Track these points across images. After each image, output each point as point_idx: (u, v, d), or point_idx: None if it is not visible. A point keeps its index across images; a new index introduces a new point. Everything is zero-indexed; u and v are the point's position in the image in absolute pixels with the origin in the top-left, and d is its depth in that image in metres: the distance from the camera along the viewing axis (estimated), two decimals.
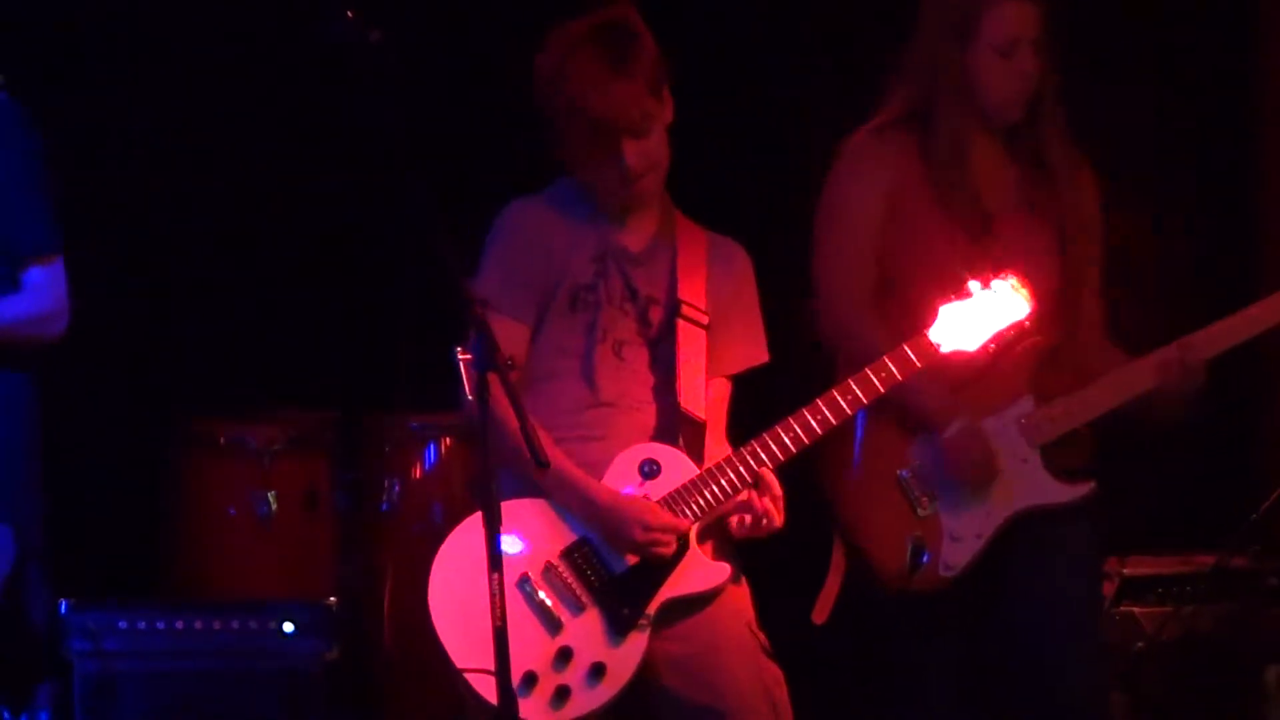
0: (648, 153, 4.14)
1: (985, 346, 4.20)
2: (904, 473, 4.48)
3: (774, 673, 4.17)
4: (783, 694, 4.16)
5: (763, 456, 4.12)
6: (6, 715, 4.83)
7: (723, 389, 4.29)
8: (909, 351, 4.18)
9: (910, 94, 4.54)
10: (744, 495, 4.12)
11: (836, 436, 4.53)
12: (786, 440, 4.13)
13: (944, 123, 4.48)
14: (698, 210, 4.40)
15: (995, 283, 4.19)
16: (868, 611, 4.53)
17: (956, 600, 4.48)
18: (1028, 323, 4.23)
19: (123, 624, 5.15)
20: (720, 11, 6.07)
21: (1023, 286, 4.20)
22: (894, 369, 4.18)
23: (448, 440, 5.68)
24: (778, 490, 4.13)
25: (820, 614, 4.48)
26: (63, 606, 5.14)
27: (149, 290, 5.96)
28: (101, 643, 5.11)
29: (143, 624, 5.17)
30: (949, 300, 4.18)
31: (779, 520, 4.13)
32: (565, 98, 4.09)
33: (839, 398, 4.16)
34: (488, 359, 3.56)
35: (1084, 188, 4.59)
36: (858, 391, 4.17)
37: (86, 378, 5.81)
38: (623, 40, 4.11)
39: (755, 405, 4.32)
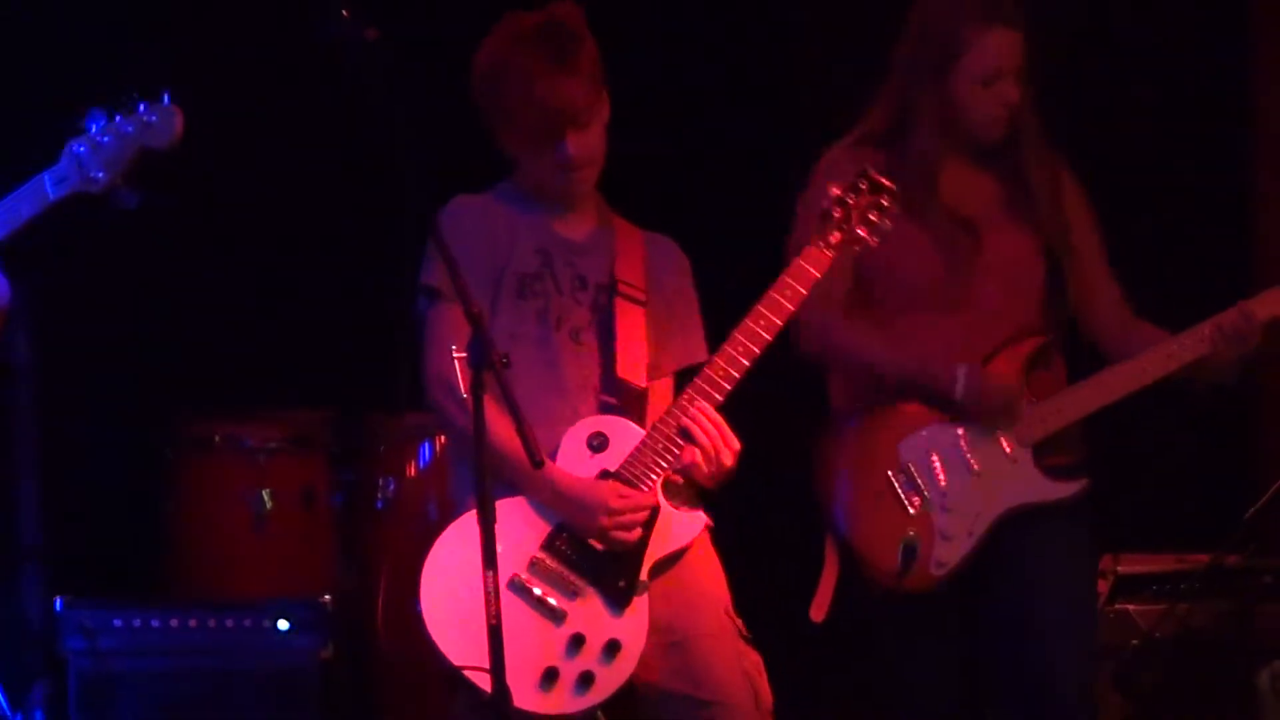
0: (588, 145, 4.19)
1: (867, 240, 4.16)
2: (894, 472, 4.48)
3: (753, 659, 4.18)
4: (763, 681, 4.16)
5: (698, 398, 4.11)
6: (5, 708, 4.83)
7: (666, 389, 4.30)
8: (803, 262, 4.13)
9: (887, 114, 4.55)
10: (704, 440, 4.10)
11: (827, 436, 4.57)
12: (717, 378, 4.11)
13: (915, 149, 4.49)
14: (651, 212, 4.41)
15: (859, 183, 4.17)
16: (861, 609, 4.53)
17: (949, 598, 4.49)
18: (895, 208, 4.16)
19: (118, 622, 5.16)
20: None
21: (880, 175, 4.17)
22: (795, 285, 4.12)
23: (443, 439, 5.68)
24: (718, 418, 4.11)
25: (818, 611, 4.49)
26: (58, 604, 5.15)
27: (144, 288, 5.96)
28: (97, 641, 5.12)
29: (138, 622, 5.18)
30: (822, 208, 4.17)
31: (733, 447, 4.12)
32: (512, 88, 4.16)
33: (753, 325, 4.12)
34: (483, 357, 3.57)
35: (1065, 194, 4.59)
36: (770, 316, 4.12)
37: (82, 376, 5.82)
38: (567, 38, 4.19)
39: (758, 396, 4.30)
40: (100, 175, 3.90)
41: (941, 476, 4.47)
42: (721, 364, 4.13)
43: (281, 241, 6.06)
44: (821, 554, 4.54)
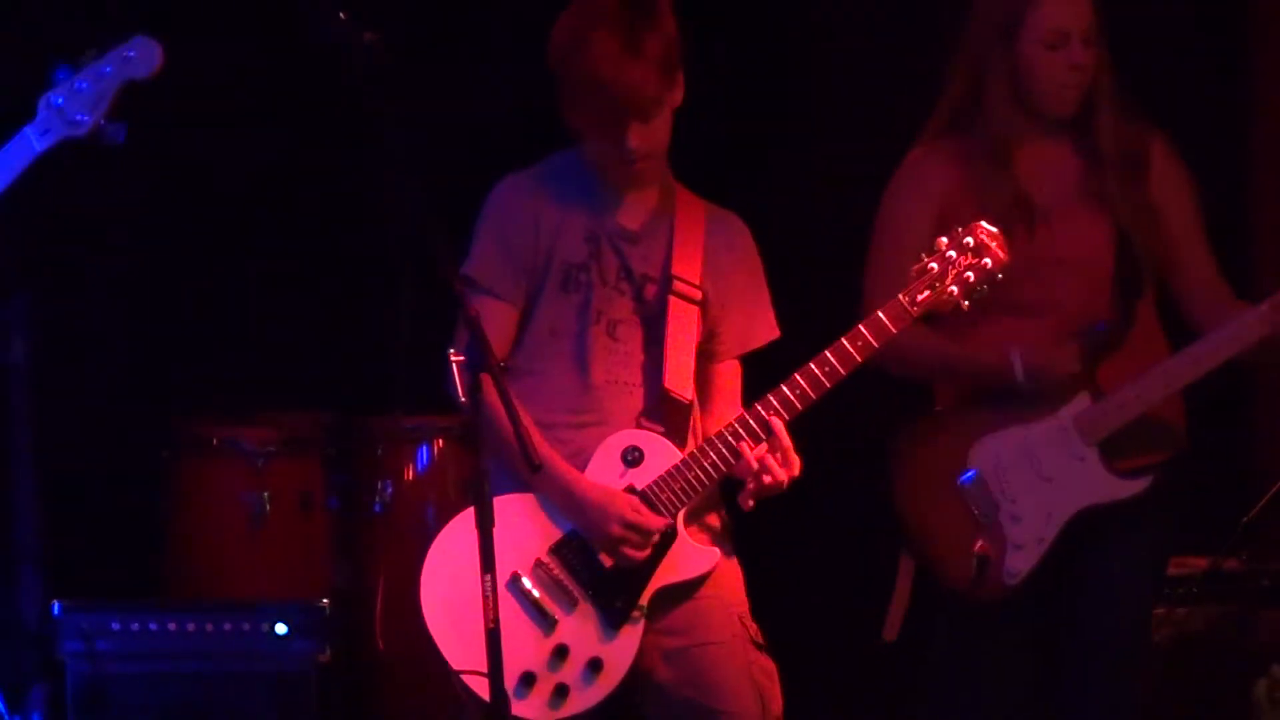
0: (650, 138, 4.08)
1: (958, 302, 4.13)
2: (965, 480, 4.43)
3: (764, 665, 4.15)
4: (773, 687, 4.14)
5: (739, 435, 4.07)
6: (4, 711, 4.83)
7: (732, 371, 4.25)
8: (881, 316, 4.09)
9: (958, 95, 4.49)
10: (756, 454, 4.06)
11: (902, 442, 4.52)
12: (766, 416, 4.05)
13: (990, 122, 4.43)
14: (717, 187, 4.35)
15: (965, 239, 4.11)
16: (935, 619, 4.53)
17: (1022, 607, 4.46)
18: (1000, 275, 4.12)
19: (116, 625, 5.16)
20: None
21: (992, 239, 4.12)
22: (869, 336, 4.08)
23: (440, 441, 5.68)
24: (786, 442, 4.06)
25: (891, 631, 4.46)
26: (56, 608, 5.15)
27: (142, 292, 5.96)
28: (94, 644, 5.12)
29: (136, 625, 5.18)
30: (921, 261, 4.13)
31: (791, 472, 4.07)
32: (579, 70, 4.04)
33: (816, 370, 4.08)
34: (481, 360, 3.56)
35: (1151, 166, 4.50)
36: (835, 363, 4.07)
37: (81, 379, 5.82)
38: (643, 19, 4.05)
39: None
40: (83, 118, 4.03)
41: (1012, 484, 4.43)
42: (775, 403, 4.07)
43: (279, 244, 6.06)
44: (893, 570, 4.52)
